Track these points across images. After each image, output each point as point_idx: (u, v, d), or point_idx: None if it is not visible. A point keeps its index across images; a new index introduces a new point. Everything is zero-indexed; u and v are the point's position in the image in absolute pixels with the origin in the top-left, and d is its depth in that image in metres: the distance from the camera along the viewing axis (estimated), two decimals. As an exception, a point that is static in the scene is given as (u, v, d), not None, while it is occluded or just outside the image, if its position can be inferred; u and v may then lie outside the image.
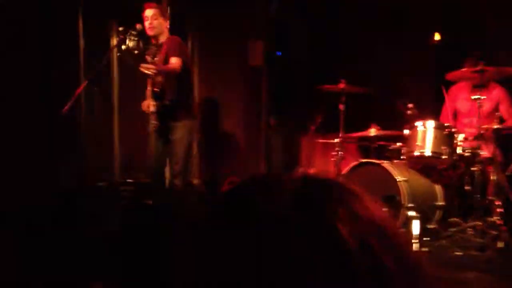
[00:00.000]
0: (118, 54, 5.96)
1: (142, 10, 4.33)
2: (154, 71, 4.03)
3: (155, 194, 4.52)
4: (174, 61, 4.14)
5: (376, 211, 0.76)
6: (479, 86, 4.24)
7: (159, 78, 4.28)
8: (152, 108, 4.27)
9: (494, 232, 3.91)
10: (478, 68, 4.17)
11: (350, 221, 0.70)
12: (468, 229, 4.13)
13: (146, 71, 4.07)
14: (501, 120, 4.57)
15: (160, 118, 4.32)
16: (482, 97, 4.23)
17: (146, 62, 4.05)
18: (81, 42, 5.82)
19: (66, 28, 5.74)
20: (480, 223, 4.06)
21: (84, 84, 4.49)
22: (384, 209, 0.79)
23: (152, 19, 4.24)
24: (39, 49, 5.58)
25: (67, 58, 5.76)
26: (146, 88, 4.37)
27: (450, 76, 4.53)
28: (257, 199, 0.71)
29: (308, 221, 0.68)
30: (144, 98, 4.47)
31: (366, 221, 0.72)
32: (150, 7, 4.28)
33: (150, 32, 4.29)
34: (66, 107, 4.11)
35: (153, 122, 4.38)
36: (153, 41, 4.37)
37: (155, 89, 4.22)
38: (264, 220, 0.68)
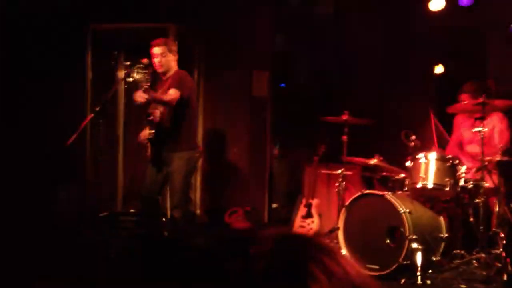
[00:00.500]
0: (125, 86, 6.07)
1: (150, 47, 4.40)
2: (144, 99, 4.05)
3: (150, 222, 4.51)
4: (172, 93, 4.18)
5: (351, 269, 0.77)
6: (481, 118, 4.27)
7: (158, 108, 4.31)
8: (147, 137, 4.29)
9: (499, 265, 3.88)
10: (480, 100, 4.21)
11: (325, 280, 0.71)
12: (473, 261, 4.10)
13: (139, 99, 4.10)
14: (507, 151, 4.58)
15: (157, 148, 4.34)
16: (484, 129, 4.26)
17: (145, 90, 4.06)
18: (89, 74, 5.94)
19: (74, 60, 5.86)
20: (484, 255, 4.03)
21: (90, 116, 4.54)
22: (360, 267, 0.79)
23: (161, 56, 4.29)
24: (47, 79, 5.69)
25: (75, 89, 5.86)
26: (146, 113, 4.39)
27: (452, 109, 4.58)
28: (229, 265, 0.73)
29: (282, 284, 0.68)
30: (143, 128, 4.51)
31: (341, 279, 0.73)
32: (158, 45, 4.33)
33: (159, 70, 4.35)
34: (71, 139, 4.15)
35: (148, 149, 4.40)
36: (162, 77, 4.42)
37: (149, 118, 4.25)
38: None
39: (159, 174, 4.36)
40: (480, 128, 4.22)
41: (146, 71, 4.37)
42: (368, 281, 0.75)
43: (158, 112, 4.32)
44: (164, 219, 5.18)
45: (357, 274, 0.76)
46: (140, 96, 4.08)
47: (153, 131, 4.24)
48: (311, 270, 0.72)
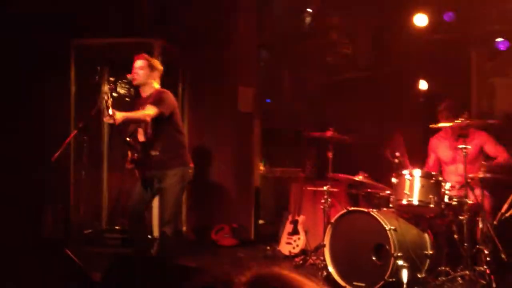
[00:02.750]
0: (109, 101, 6.02)
1: (133, 61, 4.38)
2: (116, 121, 3.97)
3: (137, 240, 4.45)
4: (146, 109, 4.13)
5: None
6: (463, 136, 4.31)
7: (138, 129, 4.27)
8: (131, 160, 4.23)
9: (483, 282, 3.89)
10: (464, 122, 4.25)
11: None
12: (458, 278, 4.12)
13: (106, 121, 4.06)
14: (486, 157, 4.63)
15: (145, 167, 4.28)
16: (468, 146, 4.31)
17: (109, 114, 3.96)
18: (73, 89, 5.89)
19: (58, 75, 5.81)
20: (469, 272, 4.05)
21: (74, 133, 4.50)
22: None
23: (138, 69, 4.28)
24: (31, 95, 5.63)
25: (58, 105, 5.81)
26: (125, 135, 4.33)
27: (435, 127, 4.63)
28: None
29: None
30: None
31: None
32: (138, 58, 4.33)
33: (134, 82, 4.33)
34: (55, 156, 4.10)
35: (136, 172, 4.34)
36: (142, 94, 4.38)
37: (128, 139, 4.20)
38: None
39: (148, 191, 4.31)
40: (463, 146, 4.26)
41: (130, 86, 4.33)
42: None
43: (141, 132, 4.27)
44: (150, 236, 5.13)
45: None
46: (107, 120, 4.03)
47: (136, 154, 4.19)
48: None
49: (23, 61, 5.60)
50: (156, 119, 4.15)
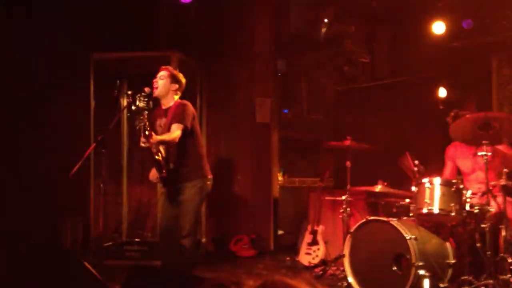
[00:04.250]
0: (127, 115, 6.09)
1: (154, 74, 4.42)
2: (149, 144, 4.04)
3: (163, 255, 4.46)
4: (174, 129, 4.16)
5: None
6: (484, 142, 4.23)
7: (161, 147, 4.31)
8: (158, 176, 4.27)
9: (508, 291, 3.80)
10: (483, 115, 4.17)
11: None
12: (481, 287, 4.02)
13: (143, 144, 4.11)
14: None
15: (168, 181, 4.31)
16: (489, 153, 4.23)
17: (146, 134, 4.03)
18: (92, 103, 5.97)
19: (77, 89, 5.90)
20: (492, 281, 3.95)
21: (92, 146, 4.53)
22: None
23: (159, 78, 4.32)
24: (51, 109, 5.72)
25: (78, 118, 5.89)
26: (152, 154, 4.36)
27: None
28: None
29: None
30: (151, 166, 4.47)
31: None
32: (162, 69, 4.37)
33: (154, 91, 4.34)
34: (73, 170, 4.14)
35: (160, 187, 4.37)
36: (162, 105, 4.41)
37: (157, 158, 4.22)
38: None
39: (173, 206, 4.32)
40: (484, 152, 4.19)
41: (148, 99, 4.33)
42: None
43: (162, 148, 4.29)
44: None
45: None
46: (144, 142, 4.09)
47: (164, 171, 4.21)
48: None
49: (43, 75, 5.70)
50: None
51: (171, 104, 4.33)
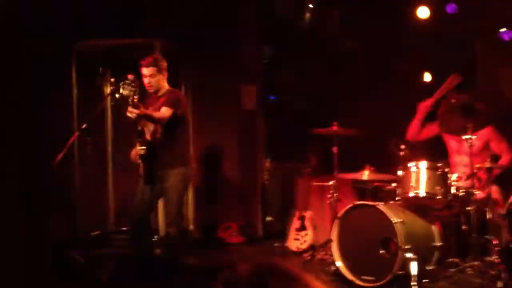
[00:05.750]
0: (111, 103, 6.02)
1: (139, 66, 4.35)
2: (135, 114, 3.97)
3: (134, 239, 4.42)
4: (163, 111, 4.15)
5: None
6: (470, 127, 4.26)
7: (148, 126, 4.26)
8: (138, 153, 4.21)
9: (493, 272, 3.85)
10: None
11: None
12: (467, 269, 4.08)
13: (129, 114, 4.02)
14: (495, 158, 4.57)
15: (150, 165, 4.26)
16: (473, 137, 4.26)
17: (134, 106, 3.97)
18: (74, 91, 5.88)
19: (59, 77, 5.80)
20: (478, 263, 4.01)
21: (75, 134, 4.48)
22: None
23: (150, 77, 4.27)
24: (33, 98, 5.62)
25: (61, 107, 5.80)
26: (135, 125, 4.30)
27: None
28: None
29: None
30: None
31: None
32: (147, 66, 4.29)
33: (149, 90, 4.33)
34: (57, 159, 4.08)
35: (140, 167, 4.31)
36: (153, 95, 4.38)
37: (139, 128, 4.17)
38: None
39: (151, 192, 4.29)
40: (469, 136, 4.22)
41: (133, 87, 4.28)
42: None
43: (147, 129, 4.27)
44: (156, 236, 5.11)
45: None
46: (131, 112, 4.00)
47: (144, 147, 4.16)
48: None
49: (24, 65, 5.59)
50: (168, 119, 4.15)
51: (164, 91, 4.31)
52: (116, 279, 4.30)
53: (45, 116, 5.61)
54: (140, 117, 4.00)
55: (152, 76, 4.26)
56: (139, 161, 4.26)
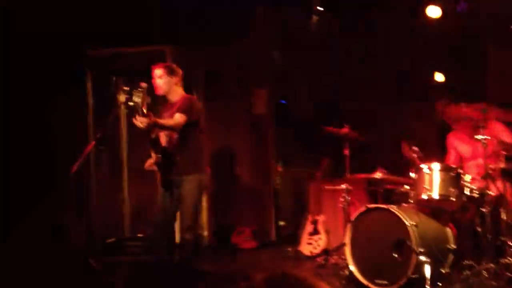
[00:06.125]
0: (125, 110, 6.08)
1: (151, 71, 4.41)
2: (145, 124, 3.99)
3: (160, 249, 4.46)
4: (177, 117, 4.17)
5: None
6: (482, 126, 4.23)
7: (163, 132, 4.29)
8: (154, 161, 4.25)
9: (509, 274, 3.82)
10: (482, 107, 4.19)
11: None
12: (482, 271, 4.04)
13: (138, 124, 4.05)
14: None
15: (166, 172, 4.31)
16: (487, 137, 4.24)
17: (143, 115, 3.98)
18: (90, 100, 5.96)
19: (74, 87, 5.88)
20: (494, 265, 3.98)
21: (92, 143, 4.53)
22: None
23: (159, 78, 4.30)
24: (48, 108, 5.71)
25: (76, 116, 5.88)
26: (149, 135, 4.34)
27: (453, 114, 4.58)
28: None
29: None
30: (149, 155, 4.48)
31: None
32: (157, 68, 4.36)
33: (157, 92, 4.35)
34: (74, 167, 4.14)
35: (157, 175, 4.36)
36: (168, 101, 4.41)
37: (153, 137, 4.20)
38: None
39: (171, 199, 4.33)
40: (482, 137, 4.20)
41: (144, 94, 4.33)
42: None
43: (163, 136, 4.30)
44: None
45: None
46: (141, 122, 4.03)
47: (160, 155, 4.21)
48: None
49: (39, 76, 5.68)
50: (183, 126, 4.18)
51: (178, 98, 4.34)
52: (132, 286, 4.35)
53: (62, 125, 5.70)
54: (150, 126, 4.02)
55: (161, 77, 4.29)
56: (155, 169, 4.30)
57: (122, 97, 5.94)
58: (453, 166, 4.38)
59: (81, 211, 5.76)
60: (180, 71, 4.40)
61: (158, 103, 4.54)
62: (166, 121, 4.19)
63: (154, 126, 4.12)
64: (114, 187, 6.11)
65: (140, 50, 5.77)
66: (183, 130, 4.21)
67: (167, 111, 4.36)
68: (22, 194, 5.32)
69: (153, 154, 4.29)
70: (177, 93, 4.35)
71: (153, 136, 4.22)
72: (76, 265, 4.69)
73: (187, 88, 4.76)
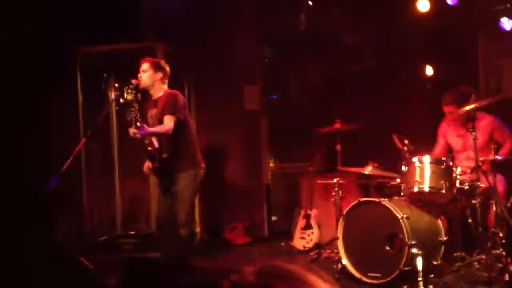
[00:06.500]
0: (116, 108, 6.07)
1: (138, 66, 4.40)
2: (139, 136, 4.05)
3: (161, 246, 4.48)
4: (167, 121, 4.17)
5: None
6: (472, 119, 4.25)
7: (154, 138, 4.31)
8: (151, 168, 4.30)
9: (500, 265, 3.85)
10: (471, 105, 4.21)
11: None
12: (474, 263, 4.08)
13: (134, 135, 4.10)
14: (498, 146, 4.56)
15: (161, 172, 4.32)
16: (478, 130, 4.26)
17: (137, 126, 4.02)
18: (80, 98, 5.93)
19: (64, 84, 5.85)
20: (485, 256, 4.01)
21: (83, 141, 4.52)
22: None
23: (143, 72, 4.31)
24: (38, 106, 5.67)
25: (66, 114, 5.85)
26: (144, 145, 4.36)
27: (446, 122, 4.63)
28: None
29: None
30: (145, 158, 4.48)
31: None
32: (143, 62, 4.36)
33: (140, 85, 4.34)
34: (65, 165, 4.13)
35: (153, 177, 4.39)
36: (151, 96, 4.40)
37: (149, 149, 4.23)
38: None
39: (166, 198, 4.34)
40: (472, 130, 4.22)
41: (135, 91, 4.33)
42: None
43: (154, 138, 4.29)
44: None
45: None
46: (135, 133, 4.08)
47: (156, 159, 4.23)
48: None
49: (28, 74, 5.64)
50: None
51: (161, 94, 4.33)
52: (125, 284, 4.34)
53: (52, 123, 5.66)
54: (144, 136, 4.06)
55: (145, 72, 4.29)
56: (152, 174, 4.33)
57: (112, 94, 5.96)
58: (444, 158, 4.40)
59: (72, 209, 5.73)
60: (167, 68, 4.40)
61: (146, 99, 4.54)
62: (158, 129, 4.19)
63: (149, 135, 4.14)
64: (105, 185, 6.10)
65: (131, 47, 5.75)
66: (173, 130, 4.22)
67: (150, 107, 4.35)
68: (11, 192, 5.28)
69: (149, 159, 4.31)
70: (160, 89, 4.34)
71: (146, 141, 4.21)
72: (68, 264, 4.67)
73: (178, 85, 4.76)
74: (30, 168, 5.44)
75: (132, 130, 4.05)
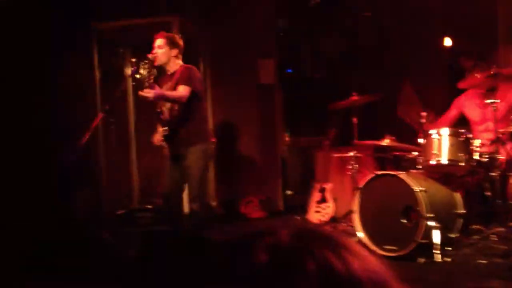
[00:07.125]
0: (133, 83, 6.07)
1: (153, 41, 4.38)
2: (152, 96, 4.00)
3: (171, 220, 4.51)
4: (181, 89, 4.15)
5: (360, 266, 0.77)
6: (492, 90, 4.18)
7: (165, 105, 4.29)
8: (161, 135, 4.28)
9: (518, 238, 3.82)
10: (492, 72, 4.13)
11: (316, 276, 0.72)
12: (491, 235, 4.05)
13: (145, 95, 4.04)
14: None
15: (171, 140, 4.33)
16: (497, 101, 4.19)
17: (149, 87, 4.00)
18: (96, 73, 5.95)
19: (81, 60, 5.87)
20: (502, 229, 3.98)
21: (100, 116, 4.54)
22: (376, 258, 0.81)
23: (158, 48, 4.27)
24: (56, 81, 5.70)
25: (83, 89, 5.88)
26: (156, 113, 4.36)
27: (463, 85, 4.50)
28: (236, 260, 0.78)
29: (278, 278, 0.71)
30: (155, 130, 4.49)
31: (341, 277, 0.74)
32: (157, 37, 4.32)
33: (155, 62, 4.32)
34: (83, 139, 4.15)
35: (165, 148, 4.40)
36: (167, 72, 4.39)
37: (160, 116, 4.22)
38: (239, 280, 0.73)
39: (179, 170, 4.35)
40: (492, 100, 4.14)
41: (150, 66, 4.32)
42: (381, 282, 0.75)
43: (165, 109, 4.30)
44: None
45: (367, 272, 0.75)
46: (146, 93, 4.03)
47: (167, 127, 4.22)
48: (304, 264, 0.73)
49: (45, 50, 5.66)
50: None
51: (176, 68, 4.31)
52: (144, 256, 4.41)
53: (69, 98, 5.70)
54: (156, 98, 4.03)
55: (160, 47, 4.25)
56: (163, 143, 4.33)
57: (129, 70, 5.97)
58: (462, 130, 4.34)
59: (91, 183, 5.80)
60: (181, 43, 4.36)
61: (161, 74, 4.53)
62: (171, 93, 4.17)
63: (160, 98, 4.13)
64: (122, 160, 6.15)
65: (147, 21, 5.72)
66: (187, 102, 4.20)
67: (166, 82, 4.34)
68: (30, 168, 5.36)
69: (159, 128, 4.31)
70: (175, 64, 4.32)
71: (158, 110, 4.22)
72: (87, 237, 4.75)
73: (193, 62, 4.73)
74: (49, 143, 5.50)
75: (146, 90, 3.97)
